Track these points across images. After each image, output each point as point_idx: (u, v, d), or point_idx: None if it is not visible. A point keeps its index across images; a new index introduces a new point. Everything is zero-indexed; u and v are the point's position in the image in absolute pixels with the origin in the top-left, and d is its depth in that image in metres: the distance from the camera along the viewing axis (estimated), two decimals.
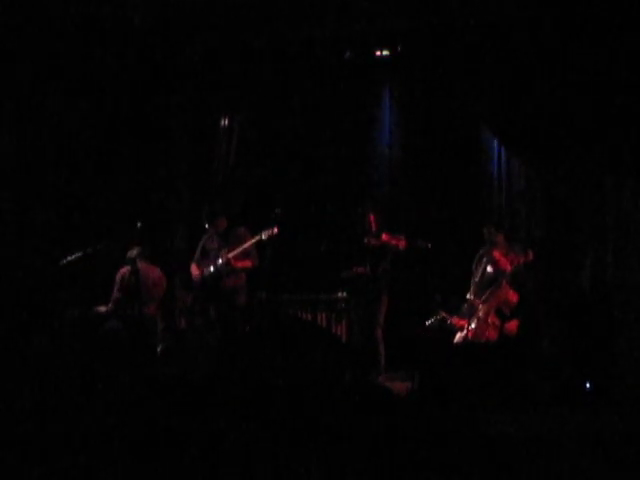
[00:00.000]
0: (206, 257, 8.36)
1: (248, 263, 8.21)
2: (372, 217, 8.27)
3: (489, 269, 7.88)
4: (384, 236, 8.11)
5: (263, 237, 8.07)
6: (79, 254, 7.95)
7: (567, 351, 7.39)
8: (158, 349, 8.17)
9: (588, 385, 6.98)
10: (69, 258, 7.96)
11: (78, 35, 8.60)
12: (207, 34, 9.19)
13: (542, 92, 8.35)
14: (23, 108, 8.70)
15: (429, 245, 8.07)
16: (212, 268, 8.22)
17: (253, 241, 8.13)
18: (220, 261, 8.19)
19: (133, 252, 8.01)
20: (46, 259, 8.32)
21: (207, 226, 8.41)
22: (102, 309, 8.05)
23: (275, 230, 8.06)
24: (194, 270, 8.37)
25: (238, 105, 9.71)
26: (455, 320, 7.91)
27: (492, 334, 7.71)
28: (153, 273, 8.17)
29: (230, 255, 8.16)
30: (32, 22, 8.44)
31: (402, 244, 8.06)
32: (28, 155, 8.75)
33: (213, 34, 9.18)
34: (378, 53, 9.24)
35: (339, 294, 8.88)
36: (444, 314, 7.95)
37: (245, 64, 9.40)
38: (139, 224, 8.10)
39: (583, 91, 8.10)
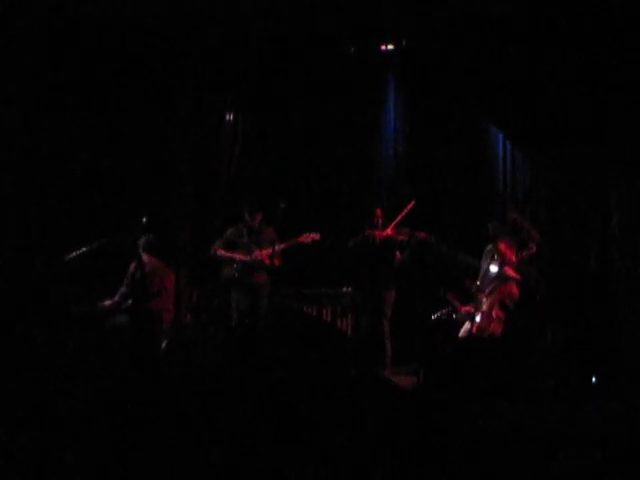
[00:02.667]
0: (234, 248, 8.39)
1: (277, 262, 8.29)
2: (379, 211, 8.30)
3: (495, 263, 7.89)
4: (390, 230, 8.13)
5: (306, 241, 8.23)
6: (84, 249, 7.95)
7: (572, 345, 7.39)
8: (163, 344, 8.17)
9: (593, 379, 6.97)
10: (74, 254, 7.96)
11: (81, 32, 8.61)
12: (210, 30, 9.18)
13: (547, 88, 8.34)
14: (27, 103, 8.71)
15: (432, 237, 8.08)
16: (243, 261, 8.28)
17: (293, 243, 8.23)
18: (251, 257, 8.25)
19: (138, 246, 8.01)
20: (51, 255, 8.32)
21: (247, 218, 8.43)
22: (107, 303, 8.06)
23: (316, 236, 8.25)
24: (222, 252, 8.40)
25: (242, 101, 9.69)
26: (464, 308, 7.95)
27: (496, 327, 7.72)
28: (159, 267, 8.17)
29: (264, 253, 8.23)
30: (35, 19, 8.45)
31: (406, 238, 8.08)
32: (32, 151, 8.76)
33: (216, 30, 9.17)
34: (383, 47, 9.23)
35: (344, 288, 8.90)
36: (454, 302, 8.00)
37: (249, 60, 9.39)
38: (144, 219, 8.10)
39: (589, 87, 8.09)
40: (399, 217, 8.18)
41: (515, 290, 7.76)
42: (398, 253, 8.16)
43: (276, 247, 8.26)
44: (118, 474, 3.72)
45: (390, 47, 9.18)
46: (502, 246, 7.83)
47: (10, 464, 3.66)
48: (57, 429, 4.06)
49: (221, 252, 8.42)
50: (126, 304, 8.02)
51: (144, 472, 3.76)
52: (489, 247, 8.15)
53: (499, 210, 9.17)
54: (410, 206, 8.16)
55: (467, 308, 7.92)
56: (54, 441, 3.91)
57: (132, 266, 7.99)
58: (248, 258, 8.31)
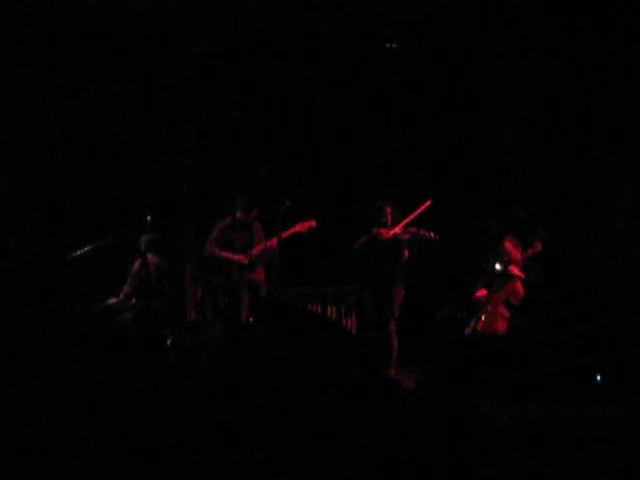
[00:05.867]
0: (230, 246, 8.28)
1: (271, 257, 8.27)
2: (389, 209, 8.25)
3: (500, 261, 7.90)
4: (397, 229, 8.08)
5: (303, 230, 8.09)
6: (88, 248, 7.97)
7: (577, 343, 7.37)
8: (168, 342, 8.18)
9: (598, 377, 6.95)
10: (78, 252, 7.98)
11: (87, 27, 8.63)
12: (217, 29, 9.19)
13: (554, 83, 8.33)
14: (30, 100, 8.72)
15: (437, 236, 8.04)
16: (245, 260, 8.22)
17: (290, 233, 8.13)
18: (250, 253, 8.20)
19: (142, 244, 8.03)
20: (55, 253, 8.34)
21: (242, 213, 8.34)
22: (112, 301, 8.08)
23: (313, 223, 8.12)
24: (223, 254, 8.32)
25: (247, 99, 9.70)
26: (479, 293, 7.96)
27: (501, 325, 7.73)
28: (163, 265, 8.19)
29: (259, 249, 8.18)
30: (42, 15, 8.47)
31: (410, 237, 8.05)
32: (36, 147, 8.78)
33: (223, 28, 9.18)
34: (387, 46, 9.23)
35: (349, 287, 8.88)
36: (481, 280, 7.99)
37: (254, 58, 9.40)
38: (149, 217, 8.11)
39: (595, 81, 8.08)
40: (411, 217, 8.10)
41: (520, 288, 7.76)
42: (406, 251, 8.12)
43: (269, 242, 8.14)
44: (119, 473, 3.72)
45: (394, 45, 9.18)
46: (508, 244, 7.84)
47: (10, 464, 3.66)
48: (59, 427, 4.06)
49: (222, 253, 8.24)
50: (130, 303, 8.05)
51: (145, 471, 3.76)
52: (490, 246, 8.16)
53: (504, 208, 9.16)
54: (424, 206, 8.07)
55: (482, 293, 7.93)
56: (55, 440, 3.91)
57: (136, 265, 8.01)
58: (248, 255, 8.23)
